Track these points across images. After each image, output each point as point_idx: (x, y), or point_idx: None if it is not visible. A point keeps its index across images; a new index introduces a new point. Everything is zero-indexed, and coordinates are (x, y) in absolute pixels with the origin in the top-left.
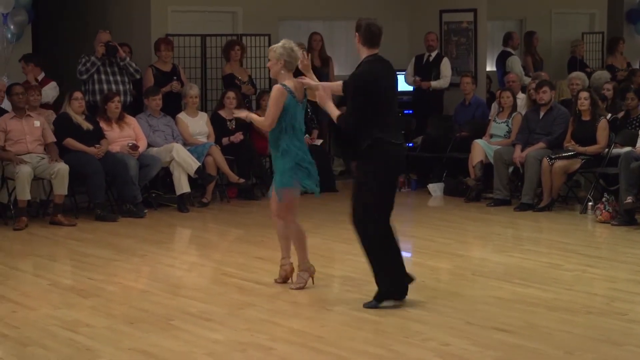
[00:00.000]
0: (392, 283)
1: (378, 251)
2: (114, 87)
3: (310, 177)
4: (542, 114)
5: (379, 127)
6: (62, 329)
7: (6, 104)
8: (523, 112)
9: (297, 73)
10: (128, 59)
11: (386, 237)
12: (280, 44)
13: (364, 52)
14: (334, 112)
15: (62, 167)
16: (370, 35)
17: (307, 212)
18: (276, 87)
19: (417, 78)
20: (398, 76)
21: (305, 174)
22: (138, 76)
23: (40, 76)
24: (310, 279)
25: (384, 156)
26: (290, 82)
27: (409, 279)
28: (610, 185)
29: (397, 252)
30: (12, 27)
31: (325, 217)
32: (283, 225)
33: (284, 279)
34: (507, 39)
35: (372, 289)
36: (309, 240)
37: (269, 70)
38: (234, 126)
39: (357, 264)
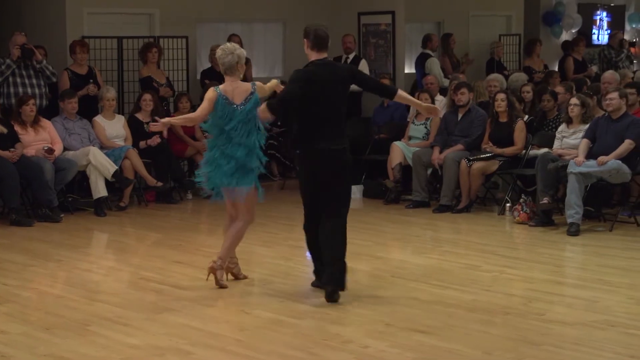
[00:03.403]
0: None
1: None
2: (29, 90)
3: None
4: (460, 115)
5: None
6: None
7: None
8: (442, 114)
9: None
10: (45, 61)
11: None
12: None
13: (313, 56)
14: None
15: None
16: (318, 39)
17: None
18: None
19: None
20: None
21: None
22: (54, 79)
23: None
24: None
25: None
26: (226, 86)
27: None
28: (527, 186)
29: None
30: None
31: None
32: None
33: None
34: (426, 41)
35: (290, 291)
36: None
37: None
38: (151, 129)
39: (276, 267)
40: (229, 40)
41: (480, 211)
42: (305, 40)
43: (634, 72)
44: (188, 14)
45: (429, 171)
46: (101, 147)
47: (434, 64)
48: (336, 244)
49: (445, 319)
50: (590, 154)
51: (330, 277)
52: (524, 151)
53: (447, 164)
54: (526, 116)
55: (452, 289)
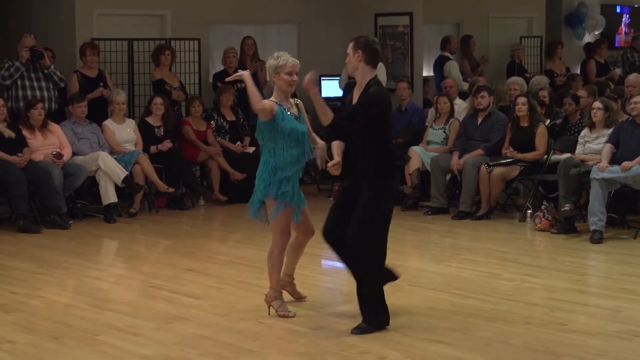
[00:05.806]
0: None
1: None
2: (38, 93)
3: None
4: (480, 119)
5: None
6: None
7: None
8: (461, 118)
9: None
10: (52, 67)
11: None
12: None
13: (369, 73)
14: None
15: None
16: (374, 54)
17: (238, 223)
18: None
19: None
20: (333, 81)
21: None
22: (62, 85)
23: None
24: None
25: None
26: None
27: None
28: (549, 192)
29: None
30: None
31: (258, 227)
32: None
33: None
34: (445, 43)
35: (305, 300)
36: (242, 252)
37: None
38: (162, 133)
39: None
40: (243, 42)
41: (500, 218)
42: (358, 51)
43: None
44: (200, 15)
45: (448, 177)
46: (111, 152)
47: (452, 67)
48: None
49: (464, 329)
50: (614, 159)
51: None
52: (545, 156)
53: (466, 170)
54: (547, 120)
55: (472, 298)
